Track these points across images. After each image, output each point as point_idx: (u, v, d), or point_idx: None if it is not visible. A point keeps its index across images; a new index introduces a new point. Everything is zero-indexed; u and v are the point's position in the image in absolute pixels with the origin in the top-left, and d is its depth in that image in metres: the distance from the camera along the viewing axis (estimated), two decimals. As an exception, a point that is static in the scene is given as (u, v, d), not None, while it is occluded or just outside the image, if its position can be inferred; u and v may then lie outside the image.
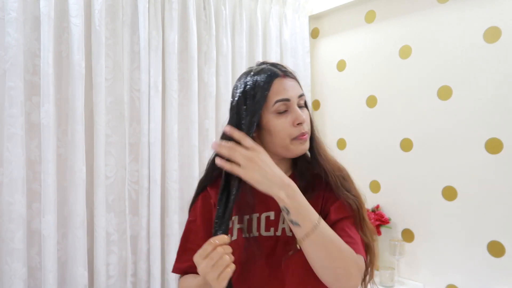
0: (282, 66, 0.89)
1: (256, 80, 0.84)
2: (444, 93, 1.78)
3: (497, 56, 1.63)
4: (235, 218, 0.90)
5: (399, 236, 1.95)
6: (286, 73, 0.87)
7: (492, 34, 1.64)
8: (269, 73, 0.85)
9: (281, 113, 0.84)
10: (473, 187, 1.69)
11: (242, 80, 0.87)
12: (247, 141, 0.75)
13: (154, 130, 1.66)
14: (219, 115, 1.89)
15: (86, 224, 1.50)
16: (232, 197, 0.79)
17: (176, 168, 1.72)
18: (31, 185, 1.44)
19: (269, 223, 0.89)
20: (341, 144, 2.22)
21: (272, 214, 0.89)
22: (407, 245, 1.92)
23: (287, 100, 0.84)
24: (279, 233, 0.89)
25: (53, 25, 1.42)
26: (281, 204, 0.75)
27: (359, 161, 2.13)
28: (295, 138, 0.85)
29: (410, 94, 1.91)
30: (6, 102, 1.34)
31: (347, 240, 0.81)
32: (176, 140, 1.73)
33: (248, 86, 0.84)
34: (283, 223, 0.89)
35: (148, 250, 1.65)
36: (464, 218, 1.72)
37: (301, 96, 0.88)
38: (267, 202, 0.87)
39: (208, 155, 1.82)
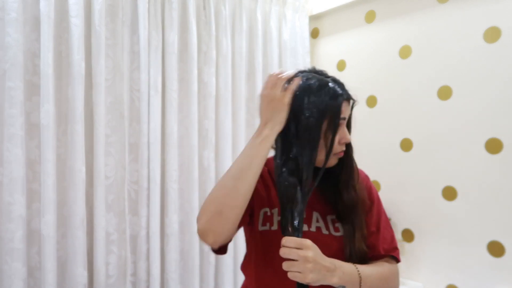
0: (343, 84, 0.93)
1: (329, 92, 0.87)
2: (444, 93, 1.78)
3: (497, 56, 1.62)
4: (275, 211, 0.93)
5: (399, 236, 1.95)
6: (349, 96, 0.91)
7: (492, 34, 1.64)
8: (340, 94, 0.88)
9: None
10: (473, 187, 1.69)
11: (310, 94, 0.86)
12: (292, 241, 0.78)
13: (154, 130, 1.66)
14: (219, 115, 1.89)
15: (86, 224, 1.50)
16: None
17: (176, 168, 1.72)
18: (31, 185, 1.44)
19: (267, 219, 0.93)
20: (341, 144, 2.22)
21: (268, 211, 0.94)
22: (407, 245, 1.91)
23: (344, 119, 0.89)
24: (313, 228, 0.92)
25: (53, 25, 1.43)
26: (337, 286, 0.81)
27: (359, 161, 2.11)
28: (335, 154, 0.90)
29: (410, 94, 1.91)
30: (6, 102, 1.34)
31: (387, 247, 0.93)
32: (175, 140, 1.73)
33: (321, 96, 0.86)
34: (317, 221, 0.93)
35: (148, 250, 1.65)
36: (464, 218, 1.71)
37: (350, 115, 0.93)
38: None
39: (207, 155, 1.83)
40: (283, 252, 0.77)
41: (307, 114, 0.83)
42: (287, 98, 0.83)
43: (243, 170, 0.82)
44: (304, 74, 0.88)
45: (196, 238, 1.74)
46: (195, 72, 1.78)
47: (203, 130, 1.84)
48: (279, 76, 0.85)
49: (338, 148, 0.90)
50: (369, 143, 2.08)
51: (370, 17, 2.08)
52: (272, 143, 0.84)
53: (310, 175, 0.84)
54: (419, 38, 1.87)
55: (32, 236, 1.44)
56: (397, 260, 0.95)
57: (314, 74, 0.89)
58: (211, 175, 1.84)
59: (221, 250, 0.90)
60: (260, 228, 0.93)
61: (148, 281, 1.65)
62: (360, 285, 0.83)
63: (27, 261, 1.40)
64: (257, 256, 0.94)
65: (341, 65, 2.22)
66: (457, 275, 1.73)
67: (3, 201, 1.34)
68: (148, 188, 1.65)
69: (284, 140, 0.86)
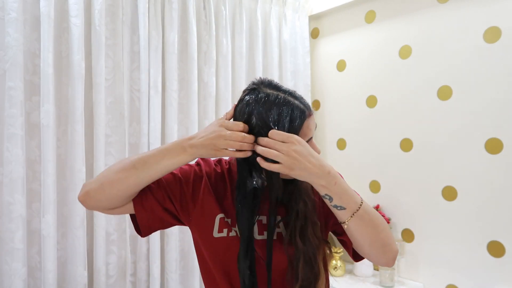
0: (301, 97, 0.84)
1: (293, 117, 0.79)
2: (444, 93, 1.78)
3: (497, 56, 1.62)
4: (229, 220, 0.88)
5: (399, 236, 1.95)
6: (310, 110, 0.84)
7: (492, 34, 1.64)
8: (301, 113, 0.80)
9: None
10: (473, 187, 1.69)
11: (272, 110, 0.79)
12: (278, 134, 0.75)
13: (154, 130, 1.66)
14: (219, 115, 1.89)
15: (86, 224, 1.50)
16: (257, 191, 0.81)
17: (176, 168, 1.72)
18: (31, 185, 1.44)
19: (263, 227, 0.88)
20: (341, 144, 2.22)
21: (264, 219, 0.88)
22: (407, 245, 1.91)
23: (310, 138, 0.84)
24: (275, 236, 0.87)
25: (53, 25, 1.43)
26: (322, 192, 0.77)
27: (359, 161, 2.12)
28: None
29: (410, 94, 1.91)
30: (6, 102, 1.34)
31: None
32: (176, 140, 1.72)
33: (281, 123, 0.78)
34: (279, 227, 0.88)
35: (148, 250, 1.65)
36: (464, 218, 1.72)
37: (315, 128, 0.88)
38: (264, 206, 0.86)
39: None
40: (267, 142, 0.75)
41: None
42: (222, 155, 0.80)
43: (146, 164, 0.80)
44: (254, 94, 0.81)
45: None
46: (195, 72, 1.79)
47: (203, 130, 1.84)
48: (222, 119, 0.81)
49: None
50: (369, 143, 2.08)
51: (370, 17, 2.09)
52: (186, 162, 0.81)
53: (278, 186, 0.82)
54: (419, 38, 1.87)
55: (32, 236, 1.44)
56: None
57: (266, 91, 0.81)
58: (211, 175, 1.83)
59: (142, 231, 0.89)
60: (216, 235, 0.87)
61: (148, 281, 1.65)
62: (358, 210, 0.78)
63: (27, 261, 1.40)
64: (212, 263, 0.87)
65: (341, 65, 2.22)
66: (457, 275, 1.73)
67: (3, 201, 1.34)
68: (148, 188, 1.65)
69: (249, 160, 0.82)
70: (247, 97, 0.81)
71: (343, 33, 2.22)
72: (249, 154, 0.79)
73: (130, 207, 0.87)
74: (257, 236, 0.87)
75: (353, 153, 2.16)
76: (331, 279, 1.89)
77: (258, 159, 0.77)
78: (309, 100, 2.27)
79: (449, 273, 1.76)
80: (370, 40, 2.08)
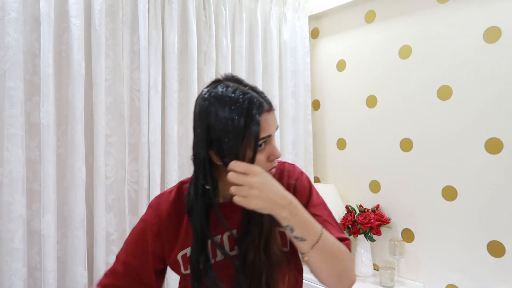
0: (262, 92, 0.81)
1: (243, 111, 0.75)
2: (444, 93, 1.78)
3: (497, 56, 1.62)
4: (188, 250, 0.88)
5: (399, 236, 1.95)
6: (270, 106, 0.80)
7: (492, 34, 1.64)
8: (258, 107, 0.76)
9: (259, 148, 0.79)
10: (473, 187, 1.69)
11: (225, 107, 0.76)
12: (239, 166, 0.72)
13: (154, 130, 1.66)
14: (219, 115, 1.89)
15: (86, 224, 1.50)
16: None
17: (176, 168, 1.72)
18: (31, 185, 1.44)
19: (233, 242, 0.88)
20: (341, 144, 2.22)
21: (235, 232, 0.86)
22: (407, 245, 1.92)
23: (269, 136, 0.79)
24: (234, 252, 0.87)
25: (53, 25, 1.42)
26: (284, 223, 0.74)
27: (359, 161, 2.12)
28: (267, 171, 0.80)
29: (410, 94, 1.91)
30: (6, 102, 1.34)
31: (338, 236, 0.84)
32: (176, 140, 1.73)
33: (235, 116, 0.75)
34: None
35: (148, 250, 1.65)
36: (464, 218, 1.72)
37: (276, 128, 0.83)
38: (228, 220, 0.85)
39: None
40: (230, 176, 0.72)
41: (225, 140, 0.75)
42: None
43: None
44: (219, 84, 0.80)
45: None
46: (195, 72, 1.78)
47: (203, 130, 1.84)
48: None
49: (268, 165, 0.80)
50: (369, 143, 2.08)
51: (370, 17, 2.09)
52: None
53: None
54: (419, 38, 1.88)
55: (32, 236, 1.44)
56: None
57: (228, 84, 0.79)
58: (211, 175, 1.83)
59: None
60: (184, 272, 0.90)
61: (148, 281, 1.65)
62: (318, 242, 0.75)
63: (27, 261, 1.40)
64: None
65: (341, 65, 2.22)
66: (457, 275, 1.73)
67: (3, 201, 1.34)
68: (148, 188, 1.65)
69: (202, 165, 0.81)
70: (205, 89, 0.82)
71: (343, 33, 2.22)
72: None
73: None
74: (184, 271, 0.90)
75: (353, 153, 2.16)
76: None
77: (231, 188, 0.73)
78: (309, 100, 2.27)
79: (449, 273, 1.76)
80: (370, 40, 2.08)
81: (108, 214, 1.57)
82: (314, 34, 2.38)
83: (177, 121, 1.75)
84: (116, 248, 1.59)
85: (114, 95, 1.61)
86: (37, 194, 1.44)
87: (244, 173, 0.72)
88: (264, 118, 0.77)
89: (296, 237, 0.75)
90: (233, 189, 0.72)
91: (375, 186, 2.05)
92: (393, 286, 1.82)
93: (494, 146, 1.63)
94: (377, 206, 2.02)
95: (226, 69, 1.90)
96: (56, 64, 1.47)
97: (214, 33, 1.86)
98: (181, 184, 0.96)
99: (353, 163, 2.15)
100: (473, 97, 1.69)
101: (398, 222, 1.95)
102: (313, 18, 2.36)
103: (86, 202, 1.51)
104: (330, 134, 2.27)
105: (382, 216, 1.93)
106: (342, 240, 0.84)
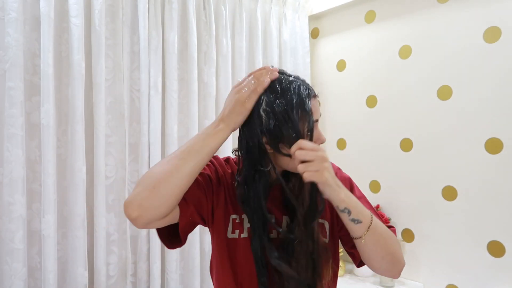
0: (305, 80, 0.88)
1: (301, 93, 0.82)
2: (444, 93, 1.78)
3: (497, 56, 1.63)
4: (244, 217, 0.88)
5: (399, 236, 1.95)
6: (315, 93, 0.87)
7: (492, 34, 1.64)
8: (307, 93, 0.83)
9: None
10: (473, 187, 1.69)
11: (277, 94, 0.81)
12: (307, 144, 0.75)
13: (154, 130, 1.66)
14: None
15: (86, 224, 1.50)
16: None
17: (176, 168, 1.72)
18: (31, 185, 1.44)
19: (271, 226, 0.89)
20: (341, 144, 2.22)
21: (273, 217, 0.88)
22: (407, 245, 1.92)
23: (317, 121, 0.85)
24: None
25: (53, 25, 1.42)
26: (341, 206, 0.76)
27: (359, 161, 2.12)
28: None
29: (410, 94, 1.91)
30: (6, 102, 1.34)
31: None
32: (176, 140, 1.73)
33: (290, 101, 0.80)
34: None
35: (148, 250, 1.65)
36: (464, 218, 1.72)
37: (320, 115, 0.89)
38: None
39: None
40: (299, 154, 0.74)
41: (283, 124, 0.79)
42: (250, 104, 0.80)
43: (190, 152, 0.78)
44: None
45: (196, 237, 1.74)
46: (195, 72, 1.78)
47: (203, 130, 1.84)
48: (264, 71, 0.83)
49: None
50: (369, 143, 2.08)
51: (370, 17, 2.09)
52: (225, 138, 0.81)
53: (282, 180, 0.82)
54: (419, 38, 1.88)
55: (33, 237, 1.44)
56: None
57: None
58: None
59: (171, 243, 0.88)
60: (230, 235, 0.88)
61: (148, 281, 1.65)
62: (371, 224, 0.78)
63: (28, 262, 1.40)
64: (221, 263, 0.89)
65: (341, 65, 2.22)
66: (457, 275, 1.73)
67: (3, 201, 1.34)
68: (148, 188, 1.65)
69: (255, 150, 0.81)
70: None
71: (343, 33, 2.22)
72: (268, 80, 0.81)
73: (176, 213, 0.83)
74: (230, 235, 0.88)
75: (353, 153, 2.16)
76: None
77: (299, 166, 0.74)
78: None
79: (449, 273, 1.76)
80: (370, 40, 2.08)
81: (108, 214, 1.57)
82: (314, 34, 2.38)
83: (177, 121, 1.75)
84: (117, 248, 1.59)
85: (114, 95, 1.61)
86: (37, 194, 1.44)
87: (312, 150, 0.74)
88: (313, 103, 0.84)
89: (353, 220, 0.77)
90: (301, 167, 0.74)
91: (375, 186, 2.05)
92: (393, 286, 1.82)
93: (494, 146, 1.63)
94: (377, 206, 2.02)
95: (226, 69, 1.90)
96: (56, 64, 1.46)
97: (214, 33, 1.86)
98: (227, 160, 0.98)
99: (353, 163, 2.15)
100: (473, 97, 1.69)
101: (398, 222, 1.95)
102: (313, 18, 2.36)
103: (87, 202, 1.50)
104: (330, 134, 2.28)
105: (382, 216, 1.94)
106: (387, 227, 0.87)
